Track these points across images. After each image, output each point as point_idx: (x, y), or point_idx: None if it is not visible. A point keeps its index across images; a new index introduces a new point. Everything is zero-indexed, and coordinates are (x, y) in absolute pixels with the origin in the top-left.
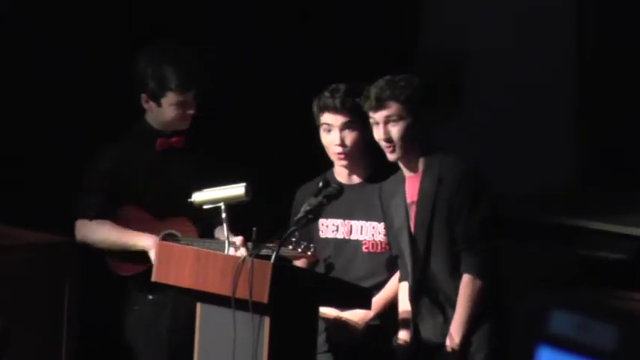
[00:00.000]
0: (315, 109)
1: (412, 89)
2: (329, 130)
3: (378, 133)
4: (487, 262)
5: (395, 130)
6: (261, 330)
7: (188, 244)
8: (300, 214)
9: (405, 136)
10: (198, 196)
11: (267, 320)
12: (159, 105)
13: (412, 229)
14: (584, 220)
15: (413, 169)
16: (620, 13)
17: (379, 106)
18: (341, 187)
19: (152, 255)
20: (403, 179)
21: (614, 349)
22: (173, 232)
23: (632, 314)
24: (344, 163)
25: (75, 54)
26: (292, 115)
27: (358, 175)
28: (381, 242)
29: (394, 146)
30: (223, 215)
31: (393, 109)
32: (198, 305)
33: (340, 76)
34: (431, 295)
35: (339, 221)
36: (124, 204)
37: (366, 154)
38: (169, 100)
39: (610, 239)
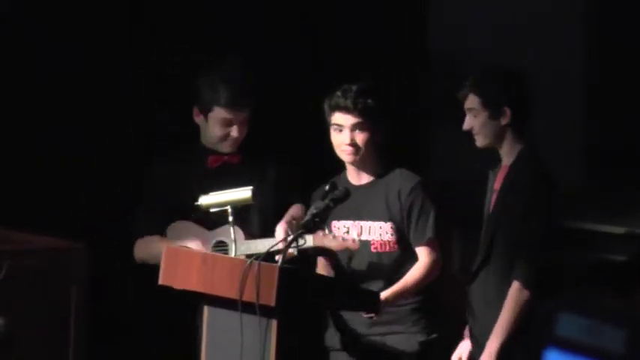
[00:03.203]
0: (325, 108)
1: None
2: (340, 130)
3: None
4: (538, 274)
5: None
6: (269, 333)
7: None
8: (307, 217)
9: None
10: (204, 200)
11: (274, 323)
12: (206, 119)
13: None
14: (591, 222)
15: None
16: (622, 14)
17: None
18: (347, 190)
19: None
20: (499, 168)
21: (623, 352)
22: (222, 239)
23: None
24: (352, 159)
25: (75, 54)
26: (295, 116)
27: (366, 176)
28: (388, 242)
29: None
30: (230, 219)
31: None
32: (205, 308)
33: (340, 76)
34: (484, 286)
35: (349, 223)
36: (174, 220)
37: (374, 155)
38: (215, 115)
39: (617, 241)
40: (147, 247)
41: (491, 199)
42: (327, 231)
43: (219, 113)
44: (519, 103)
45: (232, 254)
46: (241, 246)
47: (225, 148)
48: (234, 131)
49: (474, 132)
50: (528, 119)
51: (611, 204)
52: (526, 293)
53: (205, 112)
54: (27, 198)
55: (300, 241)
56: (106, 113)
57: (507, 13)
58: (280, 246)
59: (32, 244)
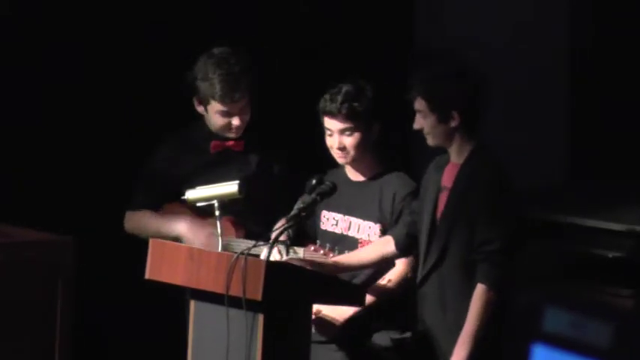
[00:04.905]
0: (319, 111)
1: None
2: (330, 134)
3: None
4: (503, 275)
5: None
6: (255, 327)
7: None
8: (293, 212)
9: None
10: (191, 194)
11: (260, 317)
12: (206, 110)
13: (438, 215)
14: (575, 216)
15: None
16: (615, 14)
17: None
18: (334, 185)
19: (186, 241)
20: (445, 163)
21: (608, 347)
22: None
23: (626, 311)
24: (344, 162)
25: (75, 54)
26: (291, 114)
27: (363, 174)
28: None
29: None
30: (217, 213)
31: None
32: (192, 303)
33: (336, 74)
34: (438, 289)
35: (339, 216)
36: (171, 200)
37: (369, 155)
38: (214, 108)
39: (602, 236)
40: (138, 221)
41: (439, 196)
42: (318, 244)
43: (216, 106)
44: (468, 107)
45: (219, 249)
46: (230, 243)
47: (231, 134)
48: (235, 120)
49: (424, 132)
50: (479, 120)
51: (597, 199)
52: (492, 295)
53: (204, 103)
54: (14, 192)
55: (291, 253)
56: (96, 108)
57: (506, 13)
58: (267, 251)
59: (19, 237)
